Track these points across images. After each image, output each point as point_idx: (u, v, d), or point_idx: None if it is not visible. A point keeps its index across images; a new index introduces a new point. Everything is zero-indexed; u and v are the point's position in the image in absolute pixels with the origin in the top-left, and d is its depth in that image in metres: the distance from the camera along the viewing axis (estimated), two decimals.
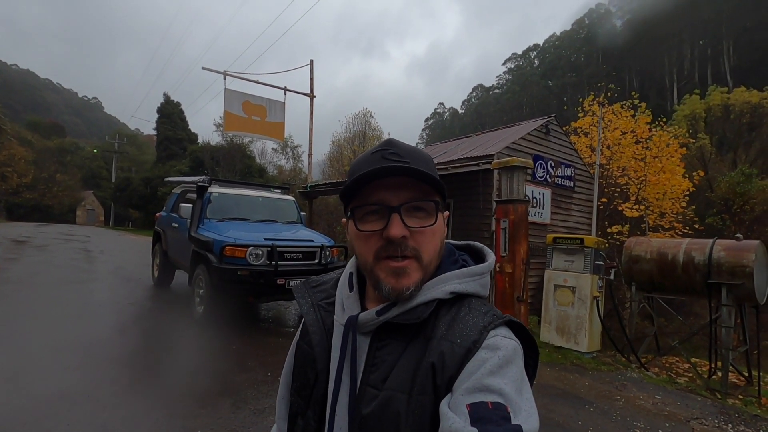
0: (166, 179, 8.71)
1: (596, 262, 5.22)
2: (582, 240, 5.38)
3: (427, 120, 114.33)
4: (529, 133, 9.18)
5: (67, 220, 46.32)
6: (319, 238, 5.95)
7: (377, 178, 0.66)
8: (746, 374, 6.38)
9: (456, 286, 0.68)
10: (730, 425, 3.61)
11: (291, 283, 5.15)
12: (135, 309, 6.09)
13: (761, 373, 6.30)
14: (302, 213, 7.08)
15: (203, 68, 10.60)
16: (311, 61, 11.93)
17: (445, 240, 0.76)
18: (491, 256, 0.76)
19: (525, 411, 0.54)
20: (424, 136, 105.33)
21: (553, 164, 9.48)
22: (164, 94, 41.75)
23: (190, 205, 5.95)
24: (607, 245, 6.66)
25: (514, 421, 0.52)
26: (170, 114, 41.04)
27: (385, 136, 34.17)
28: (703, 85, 41.84)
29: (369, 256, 0.68)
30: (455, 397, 0.57)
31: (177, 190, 7.53)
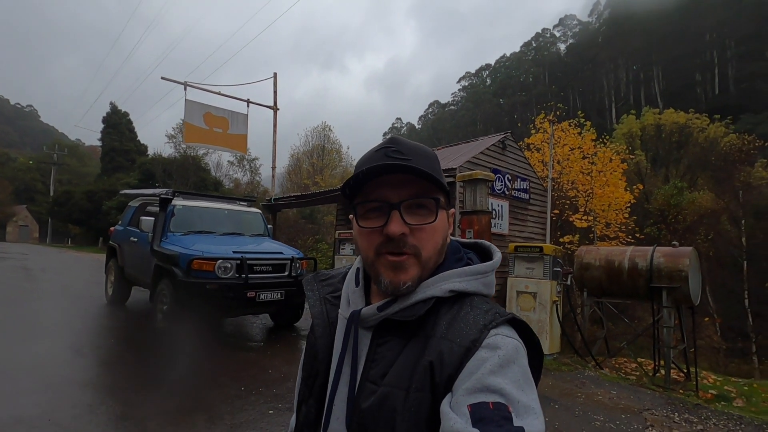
0: (123, 191, 8.32)
1: (554, 269, 5.58)
2: (541, 248, 5.73)
3: (384, 134, 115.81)
4: (487, 148, 9.64)
5: None
6: (288, 251, 5.93)
7: (378, 176, 0.67)
8: (685, 371, 6.98)
9: (456, 285, 0.68)
10: (676, 413, 3.97)
11: (261, 296, 5.13)
12: (90, 328, 5.74)
13: (698, 369, 6.93)
14: (269, 226, 7.01)
15: (162, 78, 10.27)
16: (275, 74, 11.90)
17: (453, 238, 0.77)
18: (497, 255, 0.76)
19: (530, 411, 0.54)
20: None
21: (510, 178, 9.99)
22: (111, 104, 39.71)
23: (152, 219, 5.74)
24: (562, 252, 7.11)
25: (516, 422, 0.52)
26: (117, 124, 39.03)
27: (344, 150, 34.36)
28: (637, 106, 45.65)
29: (370, 251, 0.69)
30: (456, 397, 0.57)
31: (135, 203, 7.22)
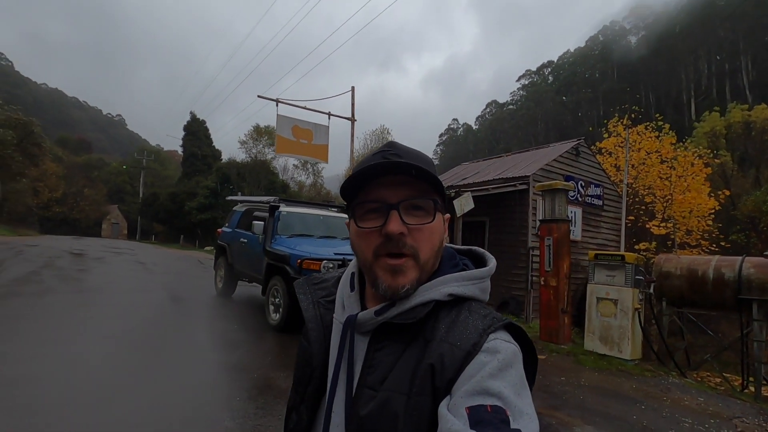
0: (228, 197, 9.51)
1: (636, 277, 5.71)
2: (623, 257, 5.89)
3: (441, 136, 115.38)
4: (560, 155, 9.75)
5: (93, 233, 47.69)
6: None
7: (376, 177, 0.67)
8: None
9: (455, 289, 0.69)
10: None
11: None
12: (214, 315, 6.78)
13: None
14: None
15: (258, 96, 11.53)
16: (352, 87, 12.84)
17: (447, 244, 0.78)
18: (492, 261, 0.77)
19: (525, 415, 0.55)
20: (439, 152, 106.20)
21: (583, 184, 10.00)
22: (191, 113, 43.57)
23: (262, 223, 6.64)
24: (643, 261, 7.13)
25: (513, 425, 0.53)
26: (196, 131, 42.69)
27: None
28: (721, 101, 41.95)
29: (368, 253, 0.68)
30: (454, 399, 0.57)
31: (239, 209, 8.27)
